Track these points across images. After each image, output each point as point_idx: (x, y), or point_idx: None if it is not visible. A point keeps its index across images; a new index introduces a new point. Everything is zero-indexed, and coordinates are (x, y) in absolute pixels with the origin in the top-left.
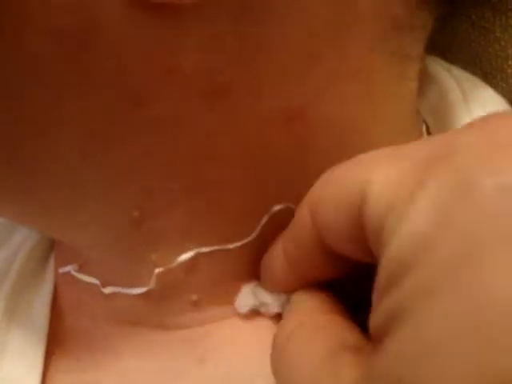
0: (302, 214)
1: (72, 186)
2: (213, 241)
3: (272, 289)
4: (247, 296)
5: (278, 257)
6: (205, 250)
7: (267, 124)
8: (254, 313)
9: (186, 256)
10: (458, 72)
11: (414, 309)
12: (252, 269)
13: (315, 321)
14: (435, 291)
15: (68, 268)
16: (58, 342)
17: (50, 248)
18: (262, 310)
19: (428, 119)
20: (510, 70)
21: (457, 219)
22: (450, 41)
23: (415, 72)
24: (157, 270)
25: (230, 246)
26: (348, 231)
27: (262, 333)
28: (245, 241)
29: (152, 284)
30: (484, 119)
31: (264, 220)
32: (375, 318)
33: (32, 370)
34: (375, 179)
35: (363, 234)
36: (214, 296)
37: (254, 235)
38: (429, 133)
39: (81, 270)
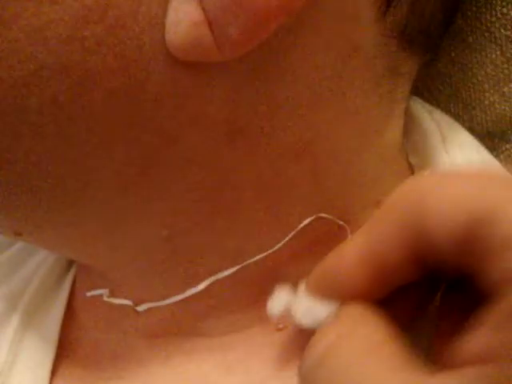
0: (397, 210)
1: (110, 213)
2: (236, 254)
3: (331, 295)
4: (280, 300)
5: (349, 256)
6: (227, 272)
7: (279, 158)
8: (282, 321)
9: (224, 273)
10: (438, 115)
11: None
12: (277, 278)
13: (363, 336)
14: None
15: (97, 292)
16: (78, 355)
17: (65, 271)
18: (301, 320)
19: (411, 157)
20: (486, 102)
21: None
22: (433, 76)
23: (401, 110)
24: (209, 279)
25: (253, 259)
26: (455, 236)
27: (289, 342)
28: (266, 253)
29: (200, 288)
30: None
31: (292, 233)
32: (491, 341)
33: (39, 382)
34: (504, 210)
35: (467, 245)
36: (232, 303)
37: (275, 248)
38: (411, 169)
39: (112, 293)
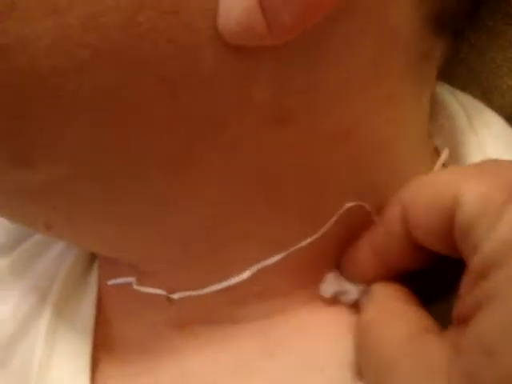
0: (393, 210)
1: (152, 205)
2: (277, 241)
3: (354, 278)
4: (332, 282)
5: (363, 249)
6: (274, 259)
7: (321, 143)
8: (320, 304)
9: (269, 261)
10: (462, 97)
11: (505, 293)
12: (319, 264)
13: (394, 308)
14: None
15: (124, 280)
16: (107, 349)
17: (91, 260)
18: (342, 297)
19: (436, 140)
20: (504, 86)
21: None
22: (452, 61)
23: (429, 95)
24: (254, 267)
25: (297, 246)
26: (436, 228)
27: (328, 323)
28: (309, 240)
29: (245, 276)
30: None
31: (334, 218)
32: (465, 302)
33: (80, 373)
34: (468, 189)
35: (450, 231)
36: (277, 288)
37: (319, 233)
38: (437, 152)
39: (140, 281)
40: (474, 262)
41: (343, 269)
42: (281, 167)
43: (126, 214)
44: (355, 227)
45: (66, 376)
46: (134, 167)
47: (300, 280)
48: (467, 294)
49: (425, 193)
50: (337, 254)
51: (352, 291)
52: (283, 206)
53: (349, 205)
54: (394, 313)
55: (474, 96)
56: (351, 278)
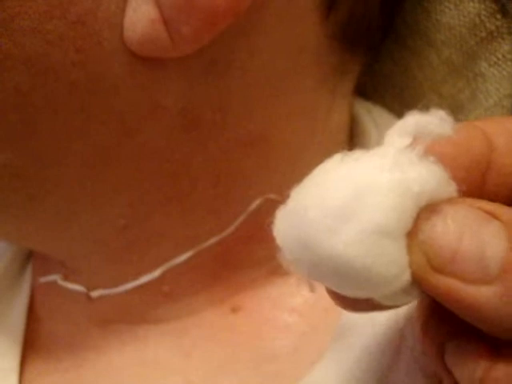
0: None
1: (68, 205)
2: (188, 241)
3: None
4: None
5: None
6: (183, 257)
7: (231, 148)
8: (225, 308)
9: (182, 258)
10: (377, 113)
11: None
12: (230, 262)
13: None
14: None
15: (52, 277)
16: (36, 347)
17: (26, 261)
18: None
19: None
20: (426, 102)
21: None
22: (378, 77)
23: (346, 106)
24: (164, 266)
25: (206, 244)
26: None
27: (232, 329)
28: (218, 237)
29: (156, 274)
30: None
31: (242, 217)
32: None
33: (9, 373)
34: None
35: None
36: (186, 288)
37: (227, 231)
38: None
39: (66, 278)
40: None
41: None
42: (191, 170)
43: (43, 211)
44: (268, 224)
45: None
46: (48, 167)
47: (209, 280)
48: None
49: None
50: (248, 253)
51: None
52: (193, 206)
53: (257, 201)
54: None
55: (398, 111)
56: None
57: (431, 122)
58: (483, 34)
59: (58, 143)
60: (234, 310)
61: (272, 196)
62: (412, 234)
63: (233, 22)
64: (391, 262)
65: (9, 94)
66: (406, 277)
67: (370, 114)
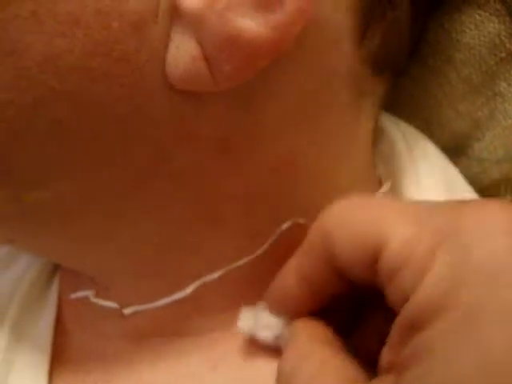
0: (315, 235)
1: (105, 223)
2: (218, 260)
3: (278, 308)
4: (248, 317)
5: (288, 274)
6: (213, 276)
7: (262, 172)
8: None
9: (211, 277)
10: (403, 126)
11: (436, 350)
12: (259, 281)
13: (318, 354)
14: (450, 340)
15: (83, 293)
16: (64, 359)
17: (53, 274)
18: (261, 333)
19: (379, 165)
20: (443, 119)
21: (462, 287)
22: (396, 95)
23: (372, 128)
24: (196, 283)
25: (237, 264)
26: (359, 263)
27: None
28: (245, 259)
29: (188, 291)
30: (482, 205)
31: (271, 240)
32: (398, 352)
33: None
34: (394, 234)
35: (372, 268)
36: (217, 304)
37: (257, 253)
38: (380, 182)
39: (97, 295)
40: (406, 312)
41: (267, 298)
42: (222, 192)
43: (82, 231)
44: (296, 246)
45: None
46: (89, 192)
47: (239, 297)
48: (400, 344)
49: (350, 226)
50: (275, 274)
51: (273, 325)
52: (224, 227)
53: (284, 226)
54: (318, 361)
55: (416, 127)
56: (275, 309)
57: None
58: (503, 55)
59: (98, 170)
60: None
61: (301, 220)
62: None
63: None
64: None
65: (52, 127)
66: None
67: (398, 126)
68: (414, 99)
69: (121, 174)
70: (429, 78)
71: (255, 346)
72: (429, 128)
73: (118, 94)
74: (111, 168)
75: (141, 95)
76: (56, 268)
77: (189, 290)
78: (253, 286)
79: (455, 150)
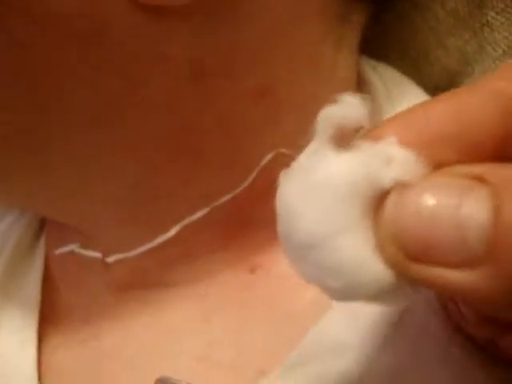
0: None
1: (74, 161)
2: (201, 198)
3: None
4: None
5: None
6: (198, 215)
7: (239, 100)
8: (244, 267)
9: (196, 215)
10: (382, 69)
11: None
12: (245, 219)
13: None
14: None
15: (68, 247)
16: (53, 318)
17: (39, 231)
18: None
19: None
20: (432, 57)
21: None
22: (382, 34)
23: (352, 59)
24: (178, 225)
25: (220, 201)
26: None
27: (253, 288)
28: (231, 194)
29: (170, 234)
30: None
31: (256, 171)
32: None
33: (26, 345)
34: None
35: None
36: (203, 246)
37: (242, 187)
38: None
39: (82, 247)
40: None
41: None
42: (199, 123)
43: (50, 169)
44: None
45: (13, 349)
46: (54, 124)
47: (224, 239)
48: None
49: None
50: (262, 209)
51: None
52: (203, 161)
53: (268, 157)
54: None
55: (404, 66)
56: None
57: (349, 111)
58: None
59: (61, 97)
60: (252, 270)
61: (283, 150)
62: (378, 223)
63: None
64: (361, 265)
65: (8, 46)
66: (385, 276)
67: (376, 71)
68: (400, 37)
69: (86, 100)
70: (414, 14)
71: (247, 291)
72: (417, 67)
73: (76, 9)
74: (75, 93)
75: (101, 12)
76: (42, 225)
77: (170, 233)
78: (237, 226)
79: (448, 89)
